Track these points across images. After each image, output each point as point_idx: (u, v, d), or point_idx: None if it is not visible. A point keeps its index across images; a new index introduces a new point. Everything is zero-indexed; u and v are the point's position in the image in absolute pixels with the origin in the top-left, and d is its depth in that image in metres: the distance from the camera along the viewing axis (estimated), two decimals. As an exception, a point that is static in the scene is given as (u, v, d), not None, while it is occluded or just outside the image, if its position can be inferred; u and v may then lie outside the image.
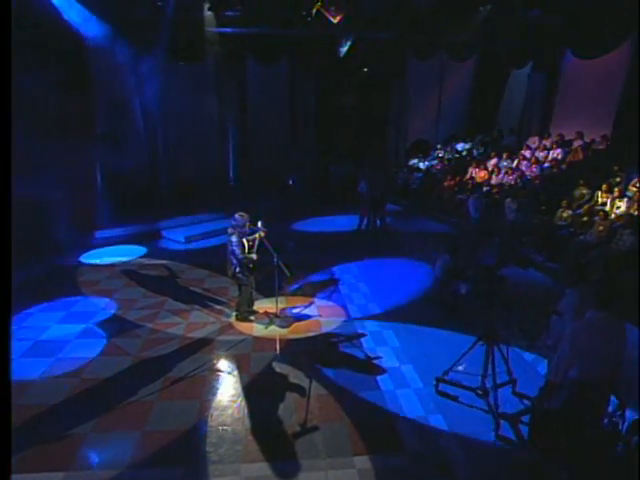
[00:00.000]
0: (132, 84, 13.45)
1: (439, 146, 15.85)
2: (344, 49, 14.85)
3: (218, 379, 5.32)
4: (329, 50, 15.39)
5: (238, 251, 6.32)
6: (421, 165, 15.51)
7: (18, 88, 9.15)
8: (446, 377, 5.04)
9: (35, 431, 4.45)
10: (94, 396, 5.00)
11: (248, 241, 6.58)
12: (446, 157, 15.14)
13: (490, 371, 4.72)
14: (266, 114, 16.46)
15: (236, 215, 6.44)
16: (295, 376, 5.40)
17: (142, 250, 10.13)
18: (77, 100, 10.04)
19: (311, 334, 6.43)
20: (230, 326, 6.64)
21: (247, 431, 4.47)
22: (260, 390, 5.14)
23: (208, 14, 13.90)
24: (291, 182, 14.89)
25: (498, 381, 4.72)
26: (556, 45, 12.21)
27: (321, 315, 7.03)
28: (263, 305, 7.14)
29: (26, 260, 8.81)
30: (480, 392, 4.82)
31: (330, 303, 7.49)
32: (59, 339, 6.18)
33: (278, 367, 5.61)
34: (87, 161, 10.51)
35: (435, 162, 15.32)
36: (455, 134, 16.19)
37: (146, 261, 9.42)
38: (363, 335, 6.40)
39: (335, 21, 11.78)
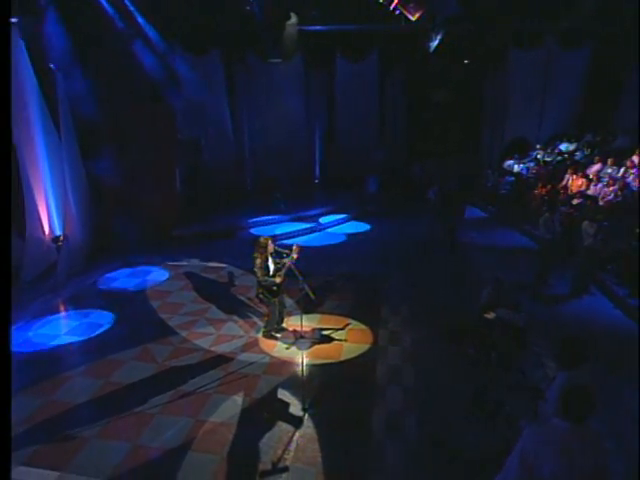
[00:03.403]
0: (222, 88, 14.29)
1: (539, 146, 14.22)
2: (434, 43, 13.96)
3: (219, 400, 5.54)
4: (420, 44, 14.62)
5: (258, 273, 6.46)
6: (515, 167, 14.09)
7: (112, 103, 10.38)
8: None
9: (52, 427, 5.11)
10: (111, 401, 5.57)
11: (276, 264, 6.68)
12: (544, 159, 13.54)
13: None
14: (354, 112, 16.31)
15: (260, 239, 6.58)
16: (292, 407, 5.41)
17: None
18: (160, 109, 11.00)
19: (328, 361, 6.36)
20: (255, 343, 6.85)
21: (222, 460, 4.63)
22: (252, 418, 5.26)
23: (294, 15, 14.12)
24: (371, 183, 14.59)
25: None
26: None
27: (347, 340, 6.89)
28: (297, 323, 6.99)
29: (108, 257, 10.06)
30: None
31: (363, 326, 7.30)
32: (105, 340, 6.97)
33: (280, 394, 5.67)
34: (171, 164, 11.50)
35: (532, 164, 13.81)
36: (561, 133, 14.39)
37: (210, 264, 10.09)
38: (379, 367, 6.15)
39: (413, 18, 11.12)
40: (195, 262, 10.12)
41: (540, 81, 14.46)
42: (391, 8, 11.10)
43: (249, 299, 8.28)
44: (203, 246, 11.10)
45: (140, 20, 10.64)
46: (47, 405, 5.47)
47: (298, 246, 6.71)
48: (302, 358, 5.94)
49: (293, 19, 14.27)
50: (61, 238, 9.09)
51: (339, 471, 4.50)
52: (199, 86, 12.94)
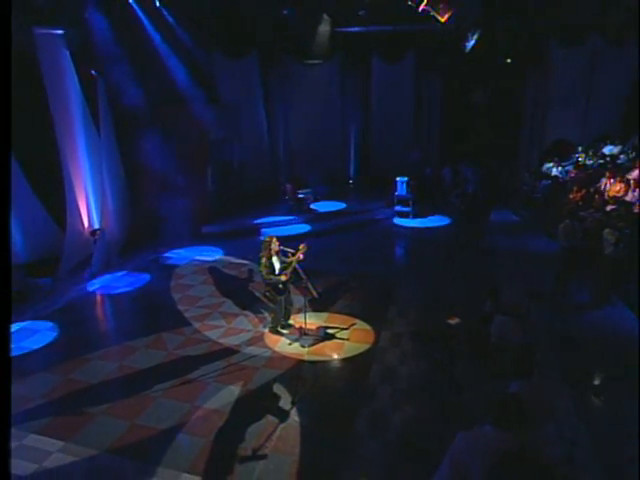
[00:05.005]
0: (258, 89, 14.73)
1: (580, 149, 13.60)
2: (470, 43, 13.68)
3: (217, 389, 5.88)
4: (456, 45, 14.37)
5: (263, 272, 6.75)
6: (554, 171, 13.56)
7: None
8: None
9: (66, 403, 5.67)
10: (121, 382, 6.07)
11: (282, 262, 6.95)
12: (583, 162, 12.94)
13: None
14: (389, 114, 16.29)
15: (265, 238, 6.87)
16: (281, 400, 5.66)
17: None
18: (194, 110, 11.57)
19: (327, 358, 6.56)
20: (260, 337, 7.15)
21: (208, 443, 4.96)
22: (243, 407, 5.56)
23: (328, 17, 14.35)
24: (400, 185, 14.49)
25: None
26: None
27: (349, 339, 7.05)
28: (307, 319, 7.16)
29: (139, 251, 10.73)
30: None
31: (367, 327, 7.43)
32: (125, 328, 7.55)
33: (274, 387, 5.93)
34: (203, 163, 12.09)
35: (570, 168, 13.23)
36: (606, 135, 13.67)
37: (233, 260, 10.54)
38: (374, 367, 6.27)
39: (443, 19, 10.99)
40: (219, 258, 10.61)
41: (584, 80, 13.81)
42: (419, 10, 11.03)
43: (264, 295, 8.61)
44: (230, 243, 11.57)
45: (175, 24, 11.25)
46: (65, 383, 6.06)
47: (305, 246, 6.93)
48: (302, 354, 6.18)
49: (327, 21, 14.48)
50: (98, 231, 9.84)
51: (313, 462, 4.71)
52: (235, 87, 13.45)
